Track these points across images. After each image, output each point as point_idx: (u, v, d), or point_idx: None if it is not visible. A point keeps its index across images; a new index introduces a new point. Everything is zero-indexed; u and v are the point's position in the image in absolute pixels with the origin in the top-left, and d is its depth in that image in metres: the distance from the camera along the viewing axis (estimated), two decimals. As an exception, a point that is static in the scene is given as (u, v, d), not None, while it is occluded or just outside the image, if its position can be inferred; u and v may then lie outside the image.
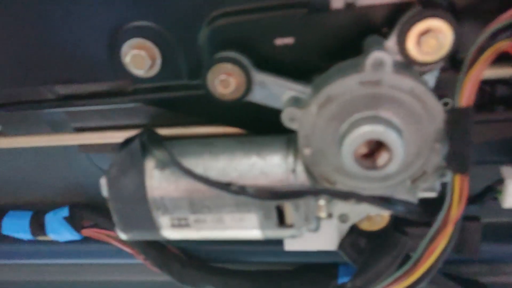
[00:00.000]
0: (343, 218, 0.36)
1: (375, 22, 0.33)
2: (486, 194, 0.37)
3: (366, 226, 0.40)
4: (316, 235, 0.42)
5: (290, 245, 0.45)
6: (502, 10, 0.30)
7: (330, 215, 0.37)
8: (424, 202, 0.35)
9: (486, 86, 0.38)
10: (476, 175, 0.39)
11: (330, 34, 0.34)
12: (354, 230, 0.43)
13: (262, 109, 0.35)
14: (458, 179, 0.30)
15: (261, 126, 0.39)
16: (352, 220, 0.36)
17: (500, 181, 0.37)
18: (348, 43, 0.34)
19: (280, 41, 0.35)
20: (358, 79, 0.30)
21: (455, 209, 0.31)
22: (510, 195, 0.36)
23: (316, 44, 0.35)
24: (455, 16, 0.33)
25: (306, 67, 0.35)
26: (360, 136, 0.30)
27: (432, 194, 0.36)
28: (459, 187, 0.30)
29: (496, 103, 0.37)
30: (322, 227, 0.40)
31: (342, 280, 0.46)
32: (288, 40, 0.35)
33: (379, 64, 0.29)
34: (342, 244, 0.43)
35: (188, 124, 0.42)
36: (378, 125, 0.30)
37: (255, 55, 0.35)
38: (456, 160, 0.30)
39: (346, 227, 0.42)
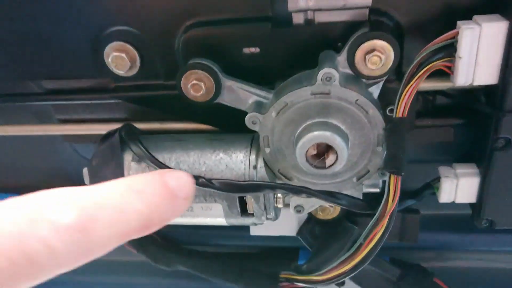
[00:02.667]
0: (298, 208, 0.41)
1: (331, 37, 0.37)
2: (425, 190, 0.42)
3: (320, 216, 0.45)
4: (278, 222, 0.47)
5: (255, 231, 0.50)
6: (443, 29, 0.35)
7: (287, 205, 0.41)
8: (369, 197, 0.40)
9: (429, 96, 0.42)
10: (419, 172, 0.44)
11: (292, 46, 0.38)
12: (311, 219, 0.48)
13: (230, 110, 0.39)
14: (393, 179, 0.35)
15: (229, 124, 0.43)
16: (306, 210, 0.41)
17: (438, 178, 0.42)
18: (308, 54, 0.38)
19: (247, 50, 0.39)
20: (310, 90, 0.35)
21: (390, 204, 0.36)
22: (445, 192, 0.41)
23: (279, 54, 0.39)
24: (401, 35, 0.37)
25: (270, 74, 0.39)
26: (311, 140, 0.35)
27: (375, 190, 0.41)
28: (394, 186, 0.35)
29: (436, 111, 0.42)
30: (283, 216, 0.44)
31: (302, 262, 0.51)
32: (254, 50, 0.39)
33: (328, 79, 0.34)
34: (300, 231, 0.48)
35: (164, 120, 0.46)
36: (326, 131, 0.34)
37: (224, 62, 0.39)
38: (392, 163, 0.35)
39: (303, 216, 0.48)
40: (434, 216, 0.50)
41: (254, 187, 0.37)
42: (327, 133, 0.34)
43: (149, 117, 0.46)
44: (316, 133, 0.34)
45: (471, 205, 0.43)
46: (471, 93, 0.40)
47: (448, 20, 0.36)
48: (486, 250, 0.52)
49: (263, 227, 0.49)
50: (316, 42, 0.38)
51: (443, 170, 0.42)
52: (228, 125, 0.44)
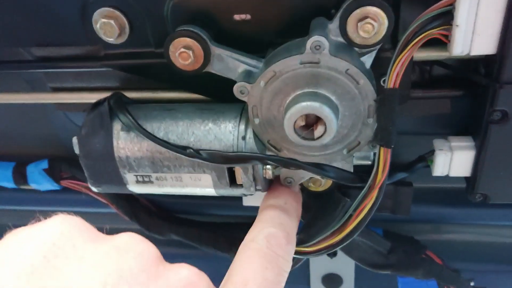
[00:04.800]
0: (288, 180, 0.40)
1: (325, 3, 0.36)
2: (418, 163, 0.42)
3: (312, 188, 0.45)
4: (270, 193, 0.46)
5: (248, 201, 0.50)
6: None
7: (277, 177, 0.41)
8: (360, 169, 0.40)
9: (426, 66, 0.41)
10: (415, 144, 0.44)
11: (284, 12, 0.37)
12: (303, 190, 0.47)
13: (221, 79, 0.38)
14: (383, 151, 0.35)
15: (219, 93, 0.42)
16: (296, 182, 0.40)
17: (433, 151, 0.41)
18: (300, 21, 0.36)
19: (238, 17, 0.38)
20: (299, 59, 0.34)
21: (380, 176, 0.35)
22: (439, 165, 0.41)
23: (271, 21, 0.37)
24: (397, 1, 0.36)
25: (262, 42, 0.38)
26: (299, 111, 0.34)
27: (366, 162, 0.40)
28: (384, 158, 0.35)
29: (433, 82, 0.41)
30: (276, 187, 0.44)
31: (294, 233, 0.51)
32: (245, 16, 0.38)
33: (317, 47, 0.33)
34: (292, 202, 0.48)
35: (155, 89, 0.45)
36: (314, 102, 0.33)
37: (215, 29, 0.38)
38: (382, 135, 0.34)
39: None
40: (429, 189, 0.50)
41: (242, 159, 0.36)
42: (315, 104, 0.33)
43: (141, 86, 0.46)
44: (304, 103, 0.33)
45: (466, 178, 0.42)
46: (470, 63, 0.39)
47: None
48: (480, 224, 0.52)
49: (255, 198, 0.48)
50: (309, 8, 0.36)
51: (437, 143, 0.41)
52: (219, 95, 0.43)
